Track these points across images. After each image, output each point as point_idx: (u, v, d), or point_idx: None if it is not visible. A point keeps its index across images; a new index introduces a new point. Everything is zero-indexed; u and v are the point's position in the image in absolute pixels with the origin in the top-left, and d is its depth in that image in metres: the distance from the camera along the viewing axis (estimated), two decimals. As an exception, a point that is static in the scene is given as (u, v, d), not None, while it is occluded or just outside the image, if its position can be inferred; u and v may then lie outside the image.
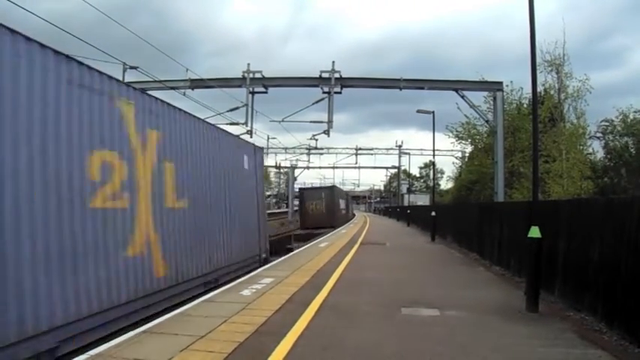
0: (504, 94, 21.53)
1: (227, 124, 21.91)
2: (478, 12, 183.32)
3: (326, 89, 20.36)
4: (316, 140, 28.21)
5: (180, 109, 9.50)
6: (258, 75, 20.45)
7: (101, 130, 6.79)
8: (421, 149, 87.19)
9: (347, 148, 53.59)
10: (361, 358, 4.66)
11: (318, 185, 55.44)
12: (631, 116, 23.76)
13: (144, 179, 7.83)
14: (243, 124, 21.40)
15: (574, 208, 7.73)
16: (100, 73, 6.93)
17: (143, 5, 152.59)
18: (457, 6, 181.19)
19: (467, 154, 40.49)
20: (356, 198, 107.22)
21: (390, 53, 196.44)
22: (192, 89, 20.45)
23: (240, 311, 6.40)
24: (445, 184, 63.81)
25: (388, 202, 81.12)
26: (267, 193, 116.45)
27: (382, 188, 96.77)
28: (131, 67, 19.38)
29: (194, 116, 10.21)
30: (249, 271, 10.81)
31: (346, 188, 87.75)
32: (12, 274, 5.06)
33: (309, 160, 53.70)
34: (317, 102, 21.13)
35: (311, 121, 23.02)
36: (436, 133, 22.98)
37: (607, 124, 24.82)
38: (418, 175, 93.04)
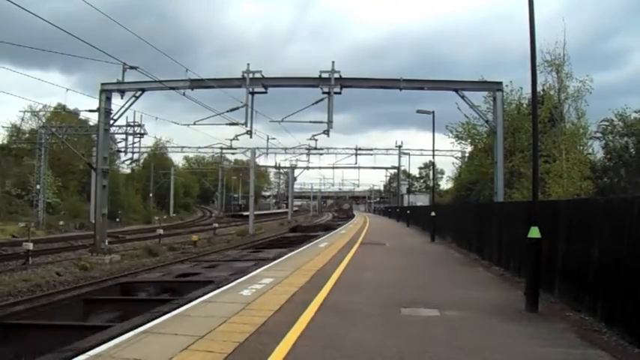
0: (504, 94, 21.50)
1: (227, 124, 21.98)
2: (480, 12, 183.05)
3: (326, 89, 20.28)
4: (316, 140, 28.10)
5: None
6: (257, 75, 20.37)
7: None
8: (421, 149, 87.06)
9: (347, 149, 53.27)
10: (361, 358, 4.66)
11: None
12: (631, 116, 23.76)
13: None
14: (242, 124, 21.40)
15: (574, 208, 7.74)
16: None
17: (148, 7, 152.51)
18: (459, 6, 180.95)
19: (467, 155, 40.45)
20: (356, 198, 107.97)
21: (392, 54, 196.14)
22: (192, 89, 20.39)
23: (240, 311, 6.39)
24: (445, 184, 63.95)
25: (388, 203, 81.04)
26: (267, 194, 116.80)
27: (382, 188, 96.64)
28: (131, 67, 19.40)
29: None
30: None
31: (346, 188, 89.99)
32: None
33: (308, 161, 53.81)
34: (317, 102, 21.06)
35: (311, 122, 22.87)
36: (436, 134, 22.89)
37: (607, 124, 24.80)
38: (418, 175, 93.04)
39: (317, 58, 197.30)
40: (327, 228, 35.53)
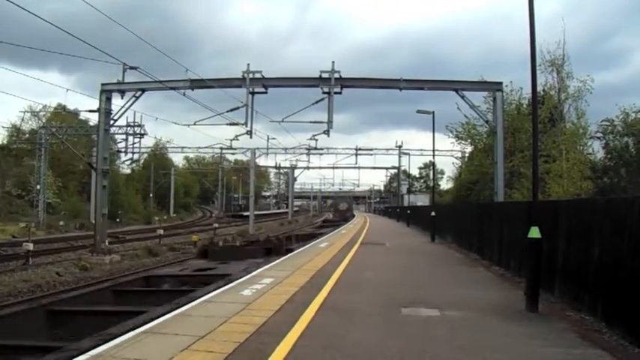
0: (504, 94, 21.50)
1: (227, 124, 21.97)
2: (480, 12, 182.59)
3: (326, 89, 20.27)
4: (316, 140, 28.05)
5: None
6: (257, 75, 20.35)
7: None
8: (421, 149, 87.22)
9: (347, 149, 53.23)
10: (361, 358, 4.66)
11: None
12: (632, 116, 23.73)
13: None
14: (242, 124, 21.40)
15: (574, 208, 7.75)
16: None
17: (149, 7, 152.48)
18: (459, 6, 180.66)
19: (467, 155, 40.46)
20: (356, 198, 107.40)
21: (392, 54, 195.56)
22: (192, 89, 20.39)
23: (240, 311, 6.39)
24: (445, 184, 63.95)
25: (388, 203, 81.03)
26: (267, 194, 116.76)
27: (382, 188, 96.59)
28: (131, 68, 19.39)
29: None
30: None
31: (346, 188, 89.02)
32: None
33: (308, 161, 53.80)
34: (317, 102, 21.06)
35: (311, 122, 22.81)
36: (436, 134, 22.90)
37: (607, 123, 24.77)
38: (418, 175, 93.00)
39: (317, 58, 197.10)
40: (270, 252, 16.79)
